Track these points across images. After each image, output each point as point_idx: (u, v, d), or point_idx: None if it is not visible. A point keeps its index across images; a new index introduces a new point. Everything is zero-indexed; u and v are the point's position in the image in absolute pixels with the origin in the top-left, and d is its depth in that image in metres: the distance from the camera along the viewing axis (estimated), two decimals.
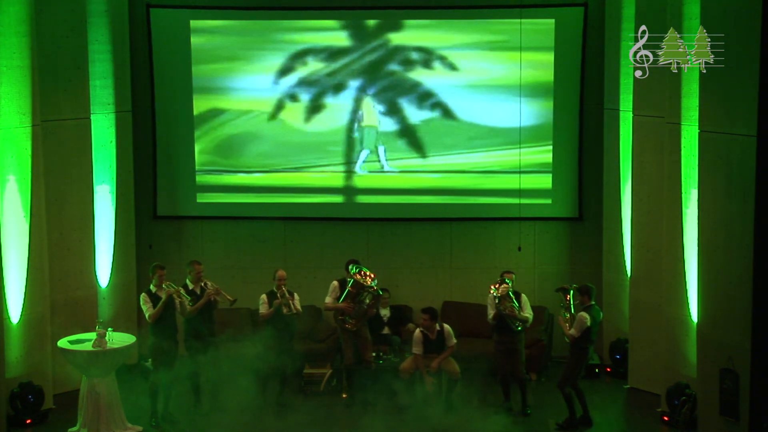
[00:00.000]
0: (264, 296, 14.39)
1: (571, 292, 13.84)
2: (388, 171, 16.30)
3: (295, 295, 14.44)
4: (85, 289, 15.05)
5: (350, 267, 14.52)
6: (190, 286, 14.18)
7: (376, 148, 16.28)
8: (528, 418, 14.13)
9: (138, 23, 16.10)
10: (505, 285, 14.06)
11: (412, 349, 14.38)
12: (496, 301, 14.01)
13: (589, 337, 13.66)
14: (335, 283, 14.69)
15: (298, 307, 14.38)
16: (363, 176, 16.38)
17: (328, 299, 14.66)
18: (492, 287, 14.12)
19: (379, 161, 16.30)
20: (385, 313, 15.91)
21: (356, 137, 16.26)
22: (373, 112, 16.20)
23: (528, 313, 14.18)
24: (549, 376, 15.49)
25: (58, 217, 14.72)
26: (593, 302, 13.73)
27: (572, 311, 13.74)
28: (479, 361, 15.12)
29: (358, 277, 14.41)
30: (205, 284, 14.15)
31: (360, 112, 16.21)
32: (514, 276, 14.33)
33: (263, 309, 14.35)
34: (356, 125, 16.24)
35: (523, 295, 14.24)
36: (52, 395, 14.40)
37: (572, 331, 13.62)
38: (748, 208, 12.00)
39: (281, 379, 14.50)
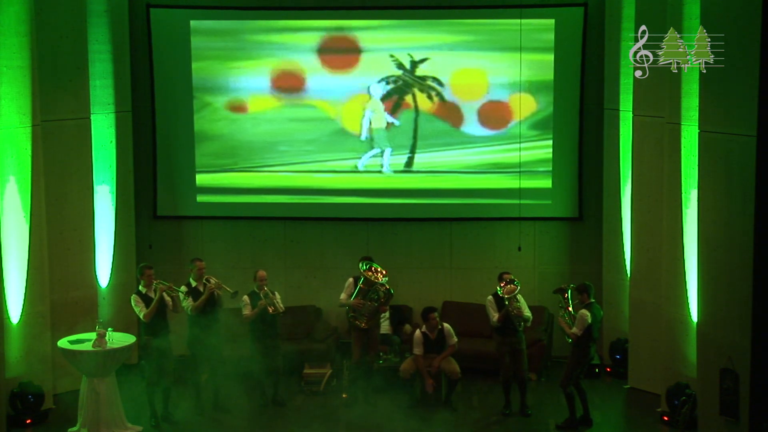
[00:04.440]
0: (246, 297, 14.36)
1: (569, 291, 13.84)
2: (387, 172, 16.29)
3: (276, 293, 14.42)
4: (85, 289, 15.04)
5: (360, 264, 14.52)
6: (193, 284, 14.20)
7: (383, 150, 16.25)
8: (528, 418, 14.12)
9: (138, 23, 16.11)
10: (512, 286, 14.03)
11: (413, 350, 14.39)
12: (506, 303, 13.98)
13: (591, 334, 13.65)
14: (350, 279, 14.68)
15: (281, 305, 14.37)
16: (363, 177, 16.36)
17: (342, 295, 14.65)
18: (498, 287, 14.08)
19: (382, 163, 16.29)
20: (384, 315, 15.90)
21: (366, 139, 16.25)
22: (381, 114, 16.17)
23: (528, 312, 14.20)
24: (549, 376, 15.48)
25: (58, 217, 14.71)
26: (593, 300, 13.73)
27: (572, 311, 13.74)
28: (479, 361, 15.14)
29: (369, 274, 14.40)
30: (208, 280, 14.16)
31: (369, 114, 16.20)
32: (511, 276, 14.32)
33: (247, 310, 14.31)
34: (367, 127, 16.23)
35: (519, 295, 14.24)
36: (52, 395, 14.40)
37: (574, 330, 13.61)
38: (748, 208, 12.00)
39: (275, 378, 14.49)
